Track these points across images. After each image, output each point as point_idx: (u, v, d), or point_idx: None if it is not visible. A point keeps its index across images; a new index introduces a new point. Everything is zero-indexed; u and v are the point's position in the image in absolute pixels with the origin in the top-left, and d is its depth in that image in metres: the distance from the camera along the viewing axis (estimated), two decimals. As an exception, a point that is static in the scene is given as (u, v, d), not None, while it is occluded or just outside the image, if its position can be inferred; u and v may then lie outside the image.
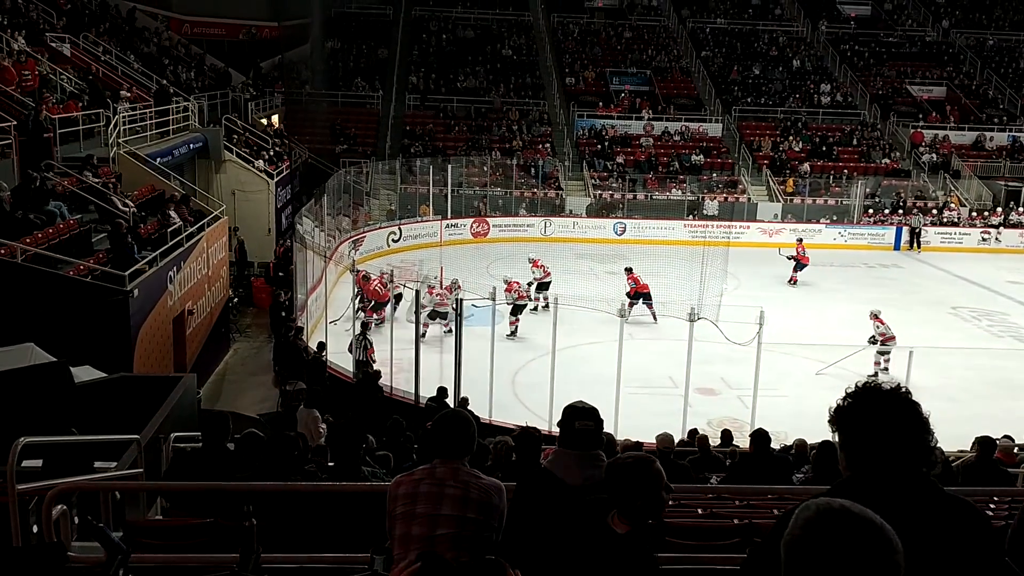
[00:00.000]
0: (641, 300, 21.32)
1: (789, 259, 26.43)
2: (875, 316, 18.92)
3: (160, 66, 28.51)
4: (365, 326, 16.87)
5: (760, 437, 9.32)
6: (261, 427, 10.17)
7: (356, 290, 18.87)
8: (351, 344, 16.76)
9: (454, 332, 15.59)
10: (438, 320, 18.77)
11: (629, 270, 22.28)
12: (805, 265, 26.37)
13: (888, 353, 18.06)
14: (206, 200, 21.51)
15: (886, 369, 18.19)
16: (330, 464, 7.51)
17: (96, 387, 10.92)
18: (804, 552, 1.67)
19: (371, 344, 16.66)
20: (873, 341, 18.32)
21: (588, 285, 23.67)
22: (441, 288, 19.81)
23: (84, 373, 11.29)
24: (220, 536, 5.13)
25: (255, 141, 28.74)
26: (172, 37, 33.02)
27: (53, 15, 25.12)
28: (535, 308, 21.25)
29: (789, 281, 26.25)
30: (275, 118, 34.24)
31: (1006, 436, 10.96)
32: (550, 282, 22.23)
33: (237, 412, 14.09)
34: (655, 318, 20.97)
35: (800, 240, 27.50)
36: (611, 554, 3.12)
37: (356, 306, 18.78)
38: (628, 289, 21.52)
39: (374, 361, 16.56)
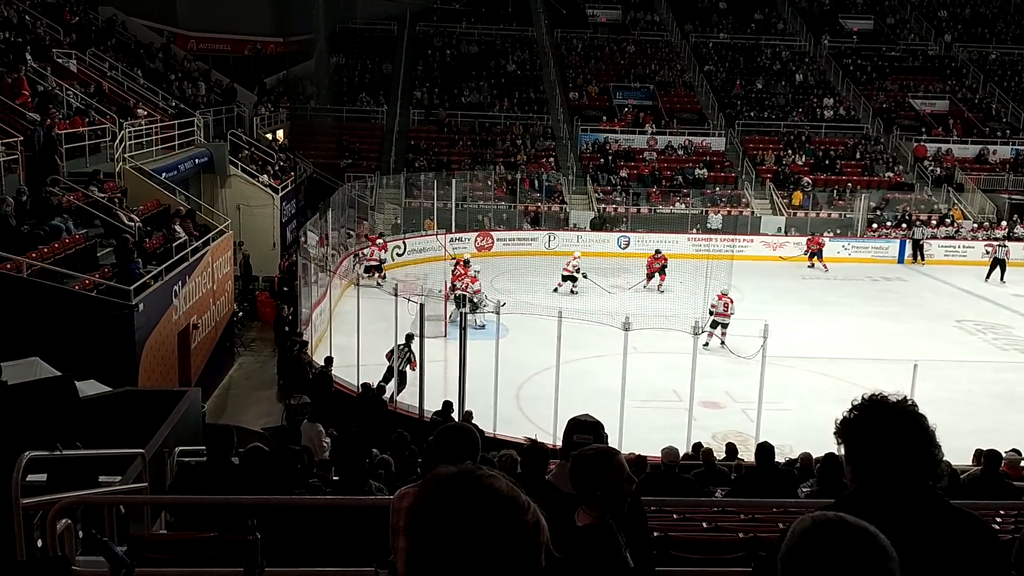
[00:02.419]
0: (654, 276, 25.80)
1: (811, 256, 30.68)
2: (723, 294, 20.54)
3: (167, 82, 28.65)
4: (410, 337, 16.61)
5: (765, 451, 9.30)
6: (265, 441, 10.17)
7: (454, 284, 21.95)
8: (391, 352, 16.49)
9: (459, 346, 15.58)
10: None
11: (659, 251, 26.56)
12: (821, 249, 30.74)
13: (722, 328, 19.92)
14: (211, 215, 21.57)
15: (722, 343, 19.71)
16: (335, 478, 7.51)
17: (101, 401, 10.92)
18: (798, 563, 1.68)
19: (414, 356, 16.33)
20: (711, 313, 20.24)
21: (592, 299, 23.71)
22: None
23: (89, 387, 11.29)
24: (224, 550, 5.13)
25: (260, 156, 28.84)
26: (177, 53, 33.20)
27: (60, 31, 25.28)
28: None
29: (823, 268, 30.26)
30: (280, 133, 34.36)
31: (1013, 450, 10.94)
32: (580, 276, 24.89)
33: (242, 426, 14.08)
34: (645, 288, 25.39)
35: (813, 234, 31.81)
36: (572, 547, 3.11)
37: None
38: (654, 266, 25.78)
39: (413, 370, 16.31)
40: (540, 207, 33.33)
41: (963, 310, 25.28)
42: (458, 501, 1.57)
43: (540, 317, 21.17)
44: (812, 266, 30.48)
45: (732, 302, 20.40)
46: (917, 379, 13.14)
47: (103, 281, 14.20)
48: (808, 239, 31.33)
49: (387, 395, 16.33)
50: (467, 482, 1.60)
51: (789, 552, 1.70)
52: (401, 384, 16.39)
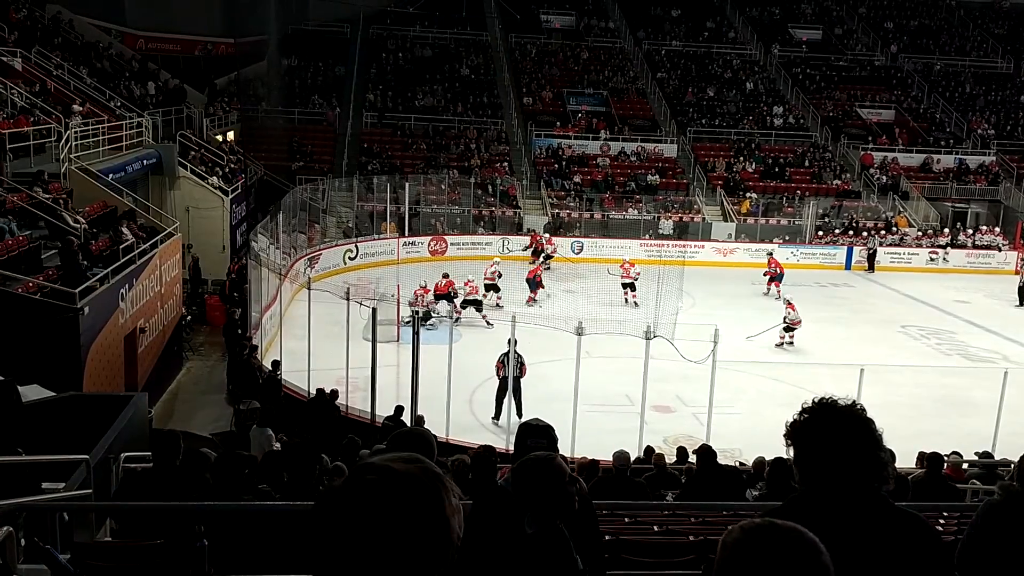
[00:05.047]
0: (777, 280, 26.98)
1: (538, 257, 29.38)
2: (788, 303, 22.08)
3: (114, 81, 28.17)
4: (511, 343, 16.22)
5: (705, 453, 9.42)
6: (213, 446, 10.04)
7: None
8: (501, 360, 15.91)
9: (412, 350, 15.51)
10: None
11: (771, 253, 27.93)
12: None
13: (793, 332, 21.56)
14: (159, 217, 21.25)
15: (791, 343, 21.52)
16: (284, 483, 7.41)
17: (45, 406, 10.70)
18: (732, 569, 1.70)
19: (524, 360, 15.84)
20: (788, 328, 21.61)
21: (545, 303, 23.78)
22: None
23: (32, 392, 11.06)
24: (171, 557, 5.04)
25: (210, 158, 28.47)
26: (126, 52, 32.68)
27: (4, 29, 24.75)
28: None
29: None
30: (231, 135, 33.96)
31: (955, 452, 11.16)
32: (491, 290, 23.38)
33: (189, 431, 13.87)
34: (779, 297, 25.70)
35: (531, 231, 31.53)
36: (521, 555, 3.12)
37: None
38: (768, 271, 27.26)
39: (524, 376, 15.79)
40: (494, 211, 33.35)
41: (908, 316, 25.76)
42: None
43: (495, 322, 21.23)
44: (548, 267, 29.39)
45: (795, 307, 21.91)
46: (863, 383, 13.38)
47: (47, 284, 13.92)
48: (532, 235, 30.87)
49: (498, 419, 15.93)
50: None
51: (722, 564, 1.71)
52: (516, 392, 15.62)
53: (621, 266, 25.93)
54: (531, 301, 24.35)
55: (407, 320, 19.83)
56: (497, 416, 16.01)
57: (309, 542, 1.57)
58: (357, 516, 1.51)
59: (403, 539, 1.51)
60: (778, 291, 26.67)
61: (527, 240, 31.15)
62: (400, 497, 1.53)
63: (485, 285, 24.01)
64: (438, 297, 22.43)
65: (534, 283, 24.72)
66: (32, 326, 12.90)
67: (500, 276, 24.54)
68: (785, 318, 21.66)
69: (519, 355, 15.64)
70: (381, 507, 1.51)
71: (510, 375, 15.54)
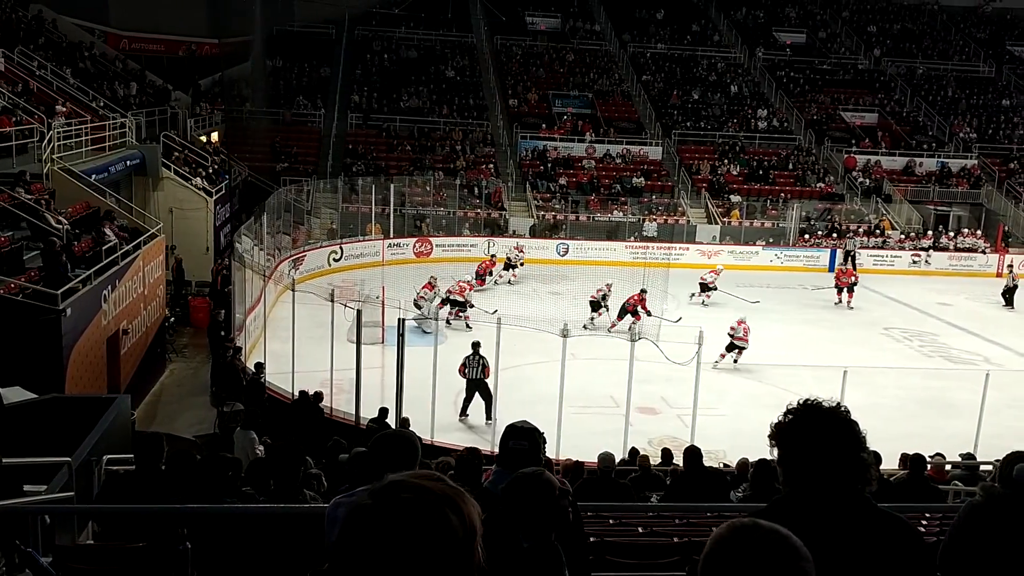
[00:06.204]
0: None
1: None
2: (741, 321, 20.20)
3: (98, 82, 28.01)
4: (476, 345, 15.98)
5: (692, 454, 9.44)
6: (197, 449, 10.00)
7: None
8: (463, 364, 15.93)
9: (397, 352, 15.49)
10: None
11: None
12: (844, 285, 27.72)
13: (739, 351, 19.82)
14: (143, 218, 21.13)
15: (736, 369, 19.81)
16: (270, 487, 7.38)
17: (26, 408, 10.64)
18: (716, 567, 1.72)
19: (487, 363, 15.69)
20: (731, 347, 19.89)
21: (531, 305, 23.77)
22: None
23: (14, 394, 10.99)
24: (154, 561, 5.02)
25: (194, 158, 28.34)
26: (109, 52, 32.50)
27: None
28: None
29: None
30: (215, 135, 33.82)
31: (937, 454, 11.22)
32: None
33: (172, 434, 13.81)
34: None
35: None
36: (513, 566, 3.12)
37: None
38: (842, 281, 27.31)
39: (487, 378, 15.75)
40: (479, 213, 33.34)
41: (891, 318, 25.91)
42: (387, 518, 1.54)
43: (480, 324, 21.22)
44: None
45: (749, 329, 19.95)
46: (847, 385, 13.44)
47: (29, 285, 13.83)
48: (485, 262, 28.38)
49: (464, 416, 16.13)
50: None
51: (707, 557, 1.74)
52: (484, 395, 15.74)
53: (712, 271, 27.04)
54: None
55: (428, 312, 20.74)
56: (463, 413, 16.22)
57: (335, 559, 1.55)
58: (395, 535, 1.51)
59: (438, 559, 1.51)
60: (849, 300, 26.91)
61: (505, 247, 30.12)
62: (437, 517, 1.53)
63: (592, 304, 22.94)
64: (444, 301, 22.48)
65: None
66: (14, 327, 12.81)
67: (608, 294, 23.23)
68: (731, 335, 19.95)
69: (482, 357, 15.78)
70: (419, 527, 1.51)
71: (477, 376, 15.77)
